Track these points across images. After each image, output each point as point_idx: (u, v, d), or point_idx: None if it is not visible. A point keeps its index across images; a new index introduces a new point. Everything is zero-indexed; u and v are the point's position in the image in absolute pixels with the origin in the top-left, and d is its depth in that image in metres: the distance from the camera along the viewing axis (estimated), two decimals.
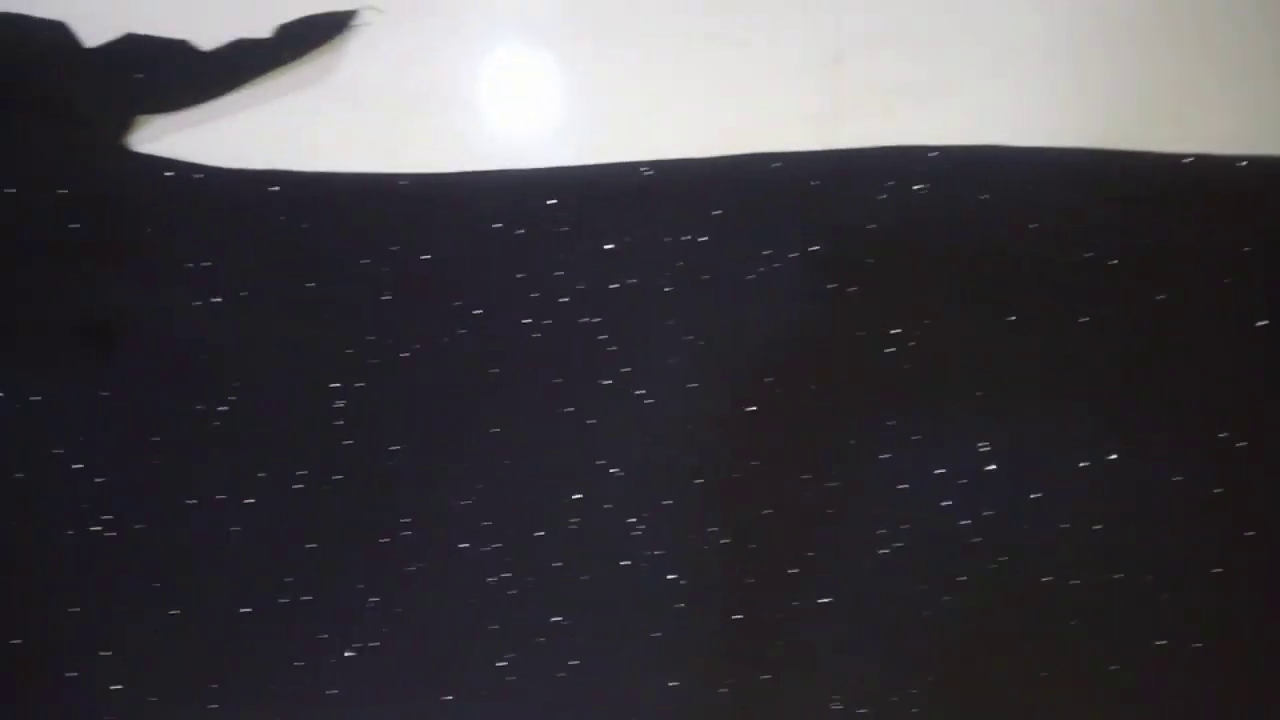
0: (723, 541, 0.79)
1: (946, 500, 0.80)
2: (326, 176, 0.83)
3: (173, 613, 0.78)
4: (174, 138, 0.84)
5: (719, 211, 0.82)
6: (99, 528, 0.78)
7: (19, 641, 0.76)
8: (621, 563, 0.79)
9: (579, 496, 0.80)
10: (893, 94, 0.86)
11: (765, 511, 0.80)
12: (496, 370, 0.81)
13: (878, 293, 0.81)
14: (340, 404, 0.80)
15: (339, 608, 0.79)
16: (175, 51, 0.85)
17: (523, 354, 0.81)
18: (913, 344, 0.80)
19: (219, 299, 0.81)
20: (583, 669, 0.79)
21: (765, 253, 0.81)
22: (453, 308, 0.81)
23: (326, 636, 0.78)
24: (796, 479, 0.80)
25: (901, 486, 0.80)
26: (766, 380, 0.80)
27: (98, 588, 0.77)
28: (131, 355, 0.79)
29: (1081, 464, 0.79)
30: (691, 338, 0.81)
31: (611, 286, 0.81)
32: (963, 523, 0.79)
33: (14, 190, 0.81)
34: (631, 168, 0.84)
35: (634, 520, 0.79)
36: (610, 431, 0.80)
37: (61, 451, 0.78)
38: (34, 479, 0.78)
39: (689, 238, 0.82)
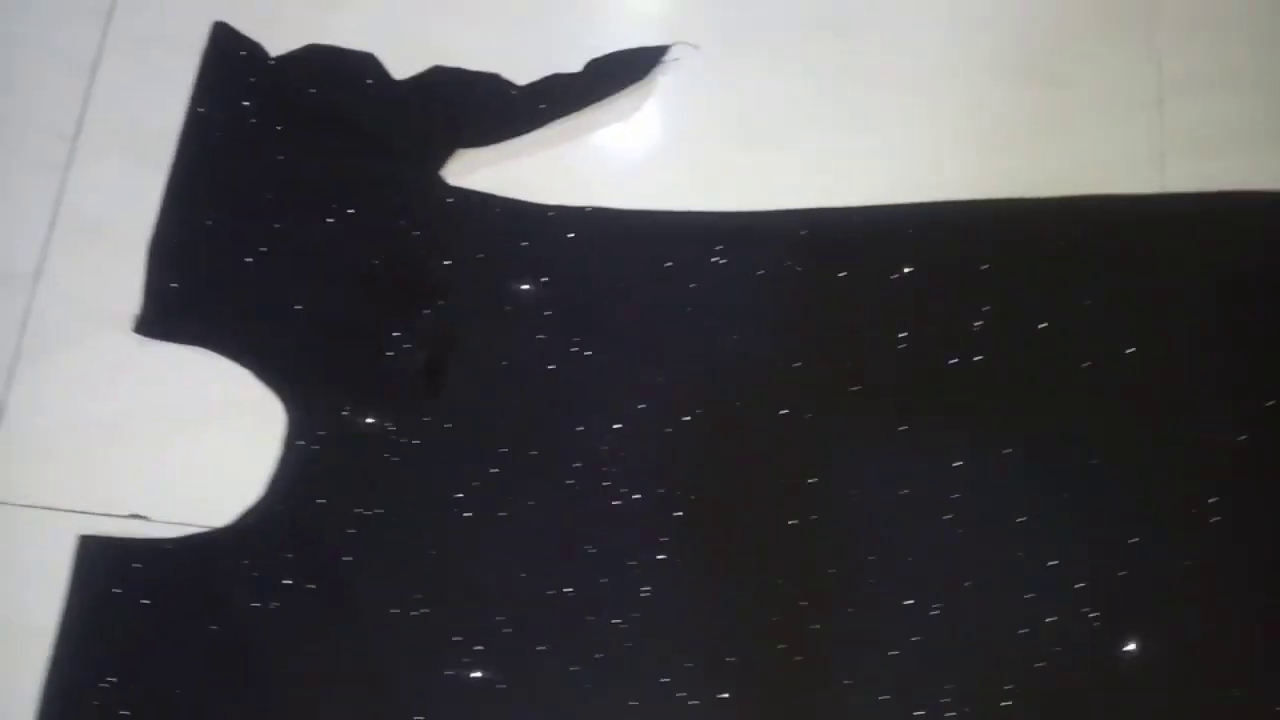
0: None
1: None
2: (640, 213, 0.82)
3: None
4: (488, 171, 0.84)
5: (986, 266, 0.80)
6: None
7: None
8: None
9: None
10: (1220, 137, 0.83)
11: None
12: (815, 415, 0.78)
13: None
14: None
15: None
16: (487, 85, 0.84)
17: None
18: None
19: (541, 331, 0.79)
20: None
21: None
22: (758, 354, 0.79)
23: None
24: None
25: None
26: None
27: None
28: (459, 387, 0.78)
29: None
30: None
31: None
32: None
33: (333, 223, 0.80)
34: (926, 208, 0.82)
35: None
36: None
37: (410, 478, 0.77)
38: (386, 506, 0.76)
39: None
